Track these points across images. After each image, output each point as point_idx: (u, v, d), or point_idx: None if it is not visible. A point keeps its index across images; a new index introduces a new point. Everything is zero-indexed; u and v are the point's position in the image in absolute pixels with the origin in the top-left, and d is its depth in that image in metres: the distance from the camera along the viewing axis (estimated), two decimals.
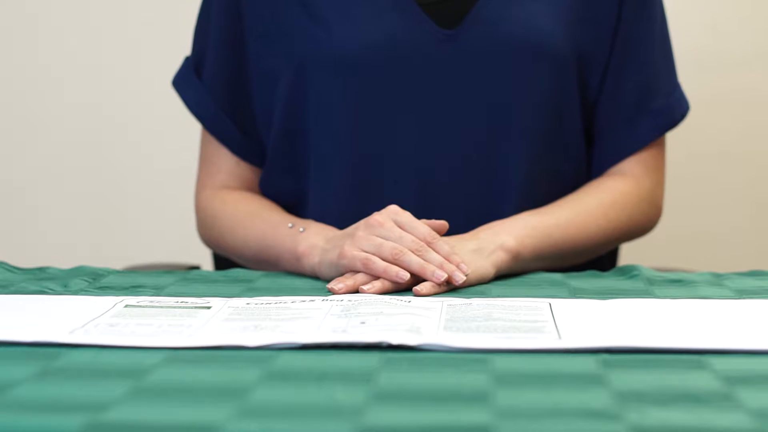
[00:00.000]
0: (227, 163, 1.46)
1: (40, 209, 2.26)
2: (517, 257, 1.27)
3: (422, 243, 1.19)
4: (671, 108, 1.43)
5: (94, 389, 0.83)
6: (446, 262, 1.18)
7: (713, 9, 2.15)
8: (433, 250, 1.19)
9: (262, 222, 1.37)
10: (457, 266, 1.18)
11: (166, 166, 2.23)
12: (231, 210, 1.42)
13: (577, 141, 1.42)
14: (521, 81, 1.36)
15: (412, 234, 1.20)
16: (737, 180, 2.18)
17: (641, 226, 1.43)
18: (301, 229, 1.31)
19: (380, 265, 1.17)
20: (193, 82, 1.46)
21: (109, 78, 2.23)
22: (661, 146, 1.46)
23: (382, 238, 1.20)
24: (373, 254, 1.18)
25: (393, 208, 1.23)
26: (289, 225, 1.33)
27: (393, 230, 1.20)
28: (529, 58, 1.36)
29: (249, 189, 1.47)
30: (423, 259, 1.18)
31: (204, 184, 1.48)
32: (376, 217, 1.22)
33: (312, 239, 1.28)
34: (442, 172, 1.37)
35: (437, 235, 1.21)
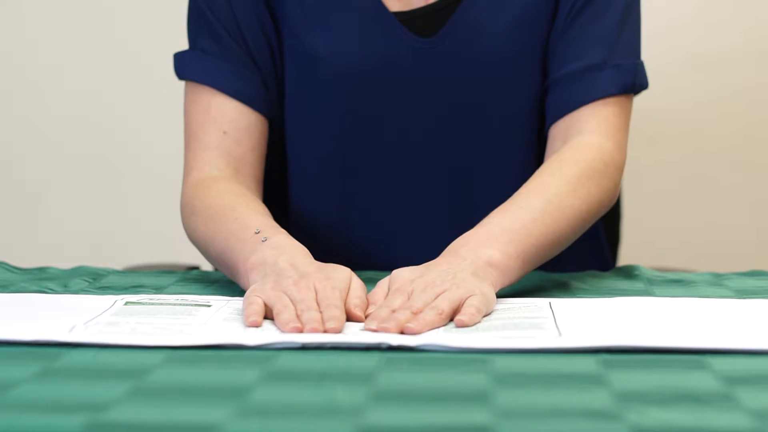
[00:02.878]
0: (215, 131, 1.35)
1: (40, 209, 2.26)
2: (504, 271, 1.17)
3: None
4: (631, 71, 1.36)
5: (94, 389, 0.83)
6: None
7: (713, 8, 2.15)
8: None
9: (234, 221, 1.23)
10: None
11: (166, 166, 2.23)
12: (214, 199, 1.30)
13: None
14: (498, 89, 1.35)
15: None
16: (737, 180, 2.18)
17: (611, 192, 1.33)
18: (263, 239, 1.16)
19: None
20: (197, 56, 1.39)
21: (110, 78, 2.22)
22: (623, 108, 1.37)
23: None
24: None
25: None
26: (256, 231, 1.18)
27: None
28: (509, 67, 1.35)
29: (239, 164, 1.35)
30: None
31: (191, 167, 1.36)
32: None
33: (265, 253, 1.14)
34: (423, 177, 1.37)
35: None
